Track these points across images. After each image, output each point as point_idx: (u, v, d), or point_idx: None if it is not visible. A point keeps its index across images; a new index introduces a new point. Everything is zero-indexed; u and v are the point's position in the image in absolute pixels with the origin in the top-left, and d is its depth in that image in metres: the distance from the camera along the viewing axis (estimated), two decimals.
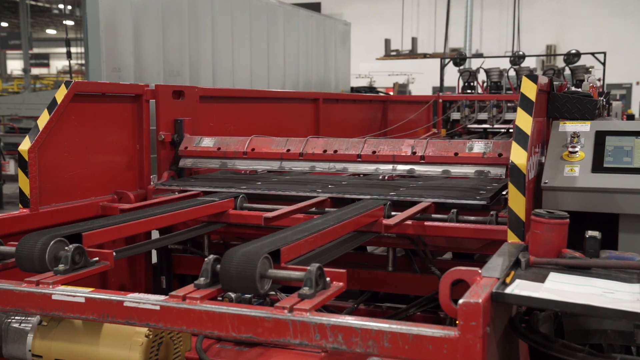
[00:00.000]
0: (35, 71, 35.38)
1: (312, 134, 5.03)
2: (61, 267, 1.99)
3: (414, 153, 3.16)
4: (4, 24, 34.83)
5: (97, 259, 2.14)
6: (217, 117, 3.96)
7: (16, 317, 2.23)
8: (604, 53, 9.31)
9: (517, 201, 2.23)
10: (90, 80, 8.15)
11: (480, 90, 8.06)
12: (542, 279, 1.85)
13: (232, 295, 2.37)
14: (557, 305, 1.70)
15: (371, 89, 16.57)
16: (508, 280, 1.80)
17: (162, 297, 1.77)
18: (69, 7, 29.72)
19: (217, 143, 3.52)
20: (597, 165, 2.58)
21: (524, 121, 2.37)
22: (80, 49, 26.04)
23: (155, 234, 3.13)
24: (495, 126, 7.30)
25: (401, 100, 8.99)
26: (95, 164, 3.17)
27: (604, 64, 9.27)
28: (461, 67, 8.56)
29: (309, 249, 2.21)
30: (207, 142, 3.53)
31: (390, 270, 3.10)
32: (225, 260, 1.83)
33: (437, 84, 10.16)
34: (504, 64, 8.72)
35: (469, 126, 7.52)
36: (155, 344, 2.10)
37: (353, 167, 3.30)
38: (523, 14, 23.14)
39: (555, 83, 2.95)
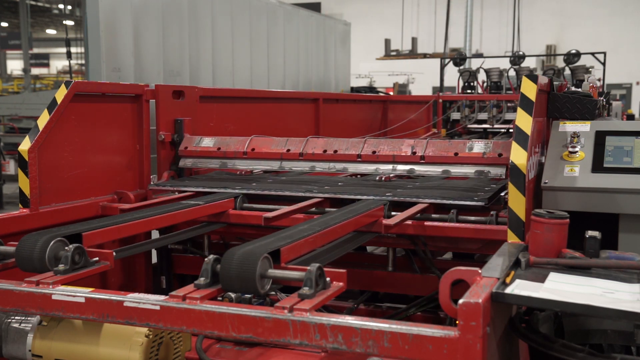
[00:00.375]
0: (35, 71, 35.38)
1: (312, 134, 5.03)
2: (61, 267, 1.99)
3: (414, 153, 3.17)
4: (4, 24, 34.83)
5: (97, 259, 2.14)
6: (217, 117, 3.96)
7: (16, 317, 2.23)
8: (604, 53, 9.31)
9: (517, 201, 2.23)
10: (90, 80, 8.15)
11: (480, 90, 8.06)
12: (542, 279, 1.85)
13: (232, 295, 2.37)
14: (557, 305, 1.70)
15: (371, 89, 16.58)
16: (508, 280, 1.80)
17: (162, 297, 1.77)
18: (69, 7, 29.72)
19: (217, 143, 3.52)
20: (597, 165, 2.57)
21: (524, 121, 2.37)
22: (80, 49, 26.04)
23: (155, 234, 3.13)
24: (495, 126, 7.30)
25: (401, 100, 8.99)
26: (95, 164, 3.17)
27: (604, 64, 9.27)
28: (461, 67, 8.56)
29: (309, 249, 2.21)
30: (207, 142, 3.53)
31: (390, 270, 3.10)
32: (225, 260, 1.83)
33: (437, 84, 10.16)
34: (504, 64, 8.72)
35: (469, 126, 7.52)
36: (155, 344, 2.10)
37: (353, 167, 3.30)
38: (523, 14, 23.14)
39: (555, 83, 2.95)
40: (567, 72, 7.83)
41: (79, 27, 27.37)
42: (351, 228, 2.54)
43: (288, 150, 3.40)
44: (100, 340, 2.09)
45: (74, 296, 1.82)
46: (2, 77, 33.93)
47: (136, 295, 1.79)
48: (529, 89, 2.48)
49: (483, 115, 7.46)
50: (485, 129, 7.48)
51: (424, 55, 23.05)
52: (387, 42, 24.46)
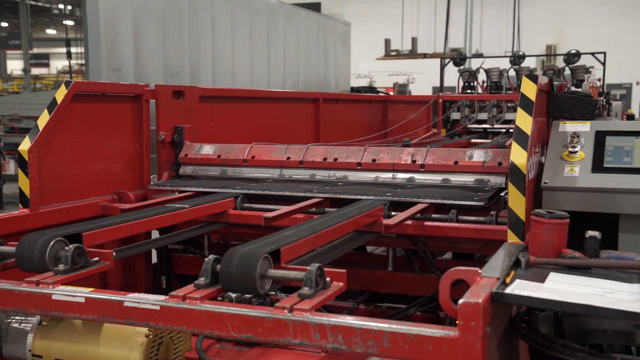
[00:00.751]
0: (35, 71, 35.38)
1: (312, 134, 5.04)
2: (61, 267, 1.99)
3: (413, 161, 3.17)
4: (4, 24, 34.83)
5: (97, 259, 2.14)
6: (217, 117, 3.96)
7: (16, 317, 2.23)
8: (604, 53, 9.31)
9: (517, 201, 2.23)
10: (90, 80, 8.15)
11: (480, 90, 8.07)
12: (542, 279, 1.85)
13: (232, 295, 2.37)
14: (557, 305, 1.70)
15: (371, 89, 16.57)
16: (508, 280, 1.80)
17: (162, 297, 1.77)
18: (69, 7, 29.72)
19: (217, 150, 3.52)
20: (597, 165, 2.57)
21: (524, 121, 2.37)
22: (80, 49, 26.04)
23: (155, 234, 3.13)
24: (495, 126, 7.31)
25: (401, 100, 8.99)
26: (95, 164, 3.17)
27: (604, 64, 9.27)
28: (461, 67, 8.57)
29: (309, 249, 2.21)
30: (207, 150, 3.53)
31: (390, 270, 3.10)
32: (225, 260, 1.83)
33: (437, 84, 10.17)
34: (504, 64, 8.72)
35: (469, 126, 7.52)
36: (155, 344, 2.10)
37: (353, 175, 3.30)
38: (523, 14, 23.14)
39: (555, 83, 2.95)
40: (567, 72, 7.84)
41: (79, 27, 27.37)
42: (351, 228, 2.54)
43: (288, 158, 3.40)
44: (100, 340, 2.09)
45: (74, 296, 1.82)
46: (2, 77, 33.94)
47: (136, 295, 1.79)
48: (529, 89, 2.48)
49: (483, 115, 7.46)
50: (485, 129, 7.48)
51: (424, 55, 23.06)
52: (387, 42, 24.47)
